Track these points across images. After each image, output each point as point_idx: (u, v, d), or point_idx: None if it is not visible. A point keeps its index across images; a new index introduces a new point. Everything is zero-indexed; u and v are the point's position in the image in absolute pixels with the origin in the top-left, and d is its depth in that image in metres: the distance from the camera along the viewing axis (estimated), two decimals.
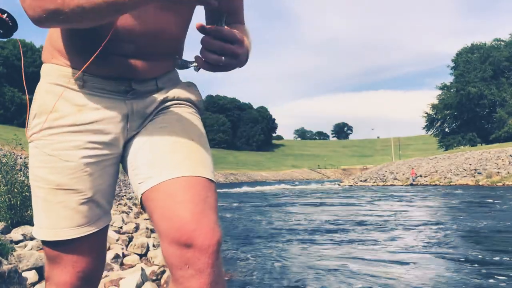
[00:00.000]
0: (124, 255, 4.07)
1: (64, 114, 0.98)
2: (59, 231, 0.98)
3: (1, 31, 1.03)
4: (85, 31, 0.93)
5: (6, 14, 1.04)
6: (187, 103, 1.08)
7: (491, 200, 13.30)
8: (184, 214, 0.88)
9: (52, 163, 0.97)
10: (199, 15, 1.09)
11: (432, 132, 77.25)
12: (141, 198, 0.96)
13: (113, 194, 1.08)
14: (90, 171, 0.99)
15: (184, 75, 1.18)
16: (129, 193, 17.94)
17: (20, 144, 5.96)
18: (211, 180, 0.97)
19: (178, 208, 0.89)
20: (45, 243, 1.02)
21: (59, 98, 0.98)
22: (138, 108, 1.03)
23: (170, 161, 0.95)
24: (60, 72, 1.00)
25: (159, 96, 1.05)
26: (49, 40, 1.03)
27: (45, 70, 1.03)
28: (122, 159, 1.05)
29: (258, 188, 35.83)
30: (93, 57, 0.92)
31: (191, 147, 0.98)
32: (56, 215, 0.98)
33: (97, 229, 1.03)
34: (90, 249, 1.04)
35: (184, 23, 1.06)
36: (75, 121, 0.97)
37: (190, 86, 1.11)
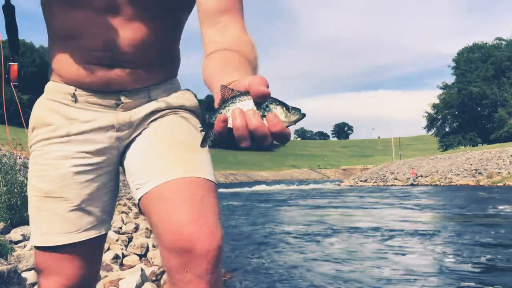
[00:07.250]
0: (123, 256, 4.07)
1: (58, 126, 1.01)
2: (49, 238, 1.00)
3: (7, 77, 1.14)
4: (67, 45, 0.97)
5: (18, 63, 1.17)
6: (180, 109, 1.08)
7: (492, 201, 13.28)
8: (180, 217, 0.86)
9: (43, 172, 1.00)
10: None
11: (432, 132, 77.19)
12: (139, 204, 0.97)
13: (112, 203, 1.08)
14: (78, 180, 1.00)
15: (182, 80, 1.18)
16: (129, 193, 17.92)
17: (20, 144, 5.96)
18: (208, 180, 0.95)
19: (175, 211, 0.87)
20: (37, 249, 1.03)
21: (53, 113, 1.02)
22: (125, 118, 1.03)
23: (163, 165, 0.95)
24: (56, 89, 1.04)
25: (150, 106, 1.05)
26: (49, 59, 1.08)
27: (46, 87, 1.08)
28: (121, 167, 1.07)
29: (258, 188, 35.81)
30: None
31: (184, 150, 0.98)
32: (46, 222, 1.00)
33: (87, 238, 1.01)
34: (81, 258, 1.02)
35: (171, 31, 1.04)
36: (67, 132, 1.01)
37: (184, 93, 1.11)
